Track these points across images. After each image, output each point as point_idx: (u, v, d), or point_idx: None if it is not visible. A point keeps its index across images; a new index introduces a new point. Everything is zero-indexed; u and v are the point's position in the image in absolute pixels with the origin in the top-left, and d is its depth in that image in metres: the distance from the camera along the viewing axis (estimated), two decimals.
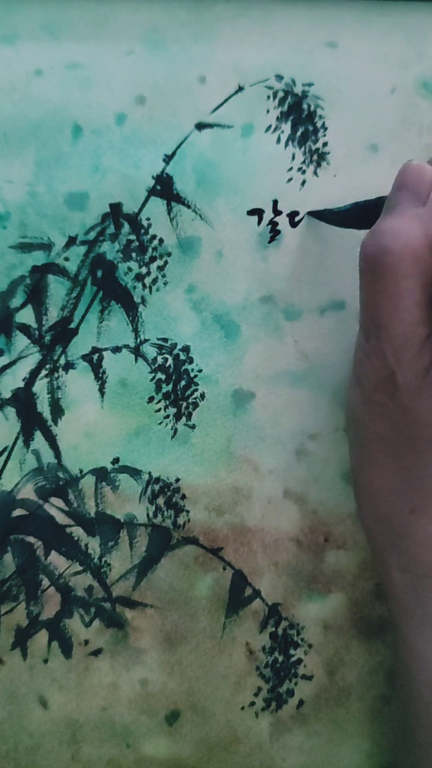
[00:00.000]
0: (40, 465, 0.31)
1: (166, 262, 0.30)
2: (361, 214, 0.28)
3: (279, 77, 0.30)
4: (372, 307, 0.25)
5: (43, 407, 0.31)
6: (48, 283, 0.30)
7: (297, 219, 0.30)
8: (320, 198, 0.30)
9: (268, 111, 0.30)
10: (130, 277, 0.30)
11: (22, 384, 0.30)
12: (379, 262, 0.24)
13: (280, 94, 0.30)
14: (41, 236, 0.30)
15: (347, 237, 0.30)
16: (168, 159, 0.30)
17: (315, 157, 0.30)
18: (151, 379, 0.31)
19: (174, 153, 0.30)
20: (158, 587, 0.31)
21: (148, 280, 0.31)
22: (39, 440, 0.31)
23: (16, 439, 0.31)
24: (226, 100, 0.30)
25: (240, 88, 0.30)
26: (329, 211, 0.30)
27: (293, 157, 0.30)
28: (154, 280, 0.31)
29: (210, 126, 0.30)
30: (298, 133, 0.30)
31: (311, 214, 0.30)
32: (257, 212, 0.30)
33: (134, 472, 0.31)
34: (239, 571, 0.31)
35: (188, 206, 0.30)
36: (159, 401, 0.31)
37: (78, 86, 0.30)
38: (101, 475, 0.31)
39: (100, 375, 0.31)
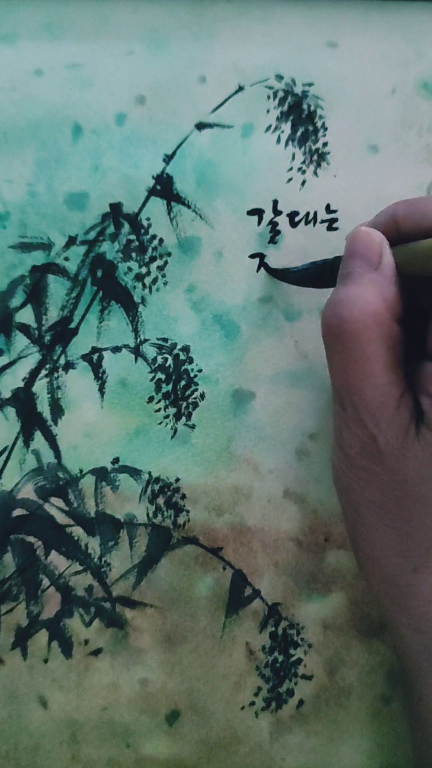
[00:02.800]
0: (40, 465, 0.31)
1: (166, 262, 0.30)
2: (319, 274, 0.28)
3: (279, 77, 0.30)
4: (342, 375, 0.25)
5: (43, 407, 0.31)
6: (48, 283, 0.30)
7: (297, 219, 0.31)
8: (320, 198, 0.30)
9: (268, 111, 0.30)
10: (130, 277, 0.30)
11: (22, 384, 0.30)
12: (342, 331, 0.24)
13: (280, 94, 0.30)
14: (41, 236, 0.30)
15: None
16: (168, 159, 0.30)
17: (315, 157, 0.30)
18: (151, 379, 0.31)
19: (174, 153, 0.30)
20: (158, 587, 0.31)
21: (148, 280, 0.31)
22: (39, 440, 0.31)
23: (16, 439, 0.31)
24: (226, 100, 0.30)
25: (240, 88, 0.30)
26: (287, 270, 0.30)
27: (293, 157, 0.30)
28: (154, 280, 0.31)
29: (210, 126, 0.30)
30: (298, 133, 0.30)
31: (269, 271, 0.30)
32: (257, 212, 0.30)
33: (134, 472, 0.31)
34: (239, 570, 0.31)
35: (188, 206, 0.30)
36: (159, 401, 0.31)
37: (78, 86, 0.30)
38: (101, 475, 0.31)
39: (100, 375, 0.31)
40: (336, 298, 0.25)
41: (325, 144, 0.30)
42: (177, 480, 0.31)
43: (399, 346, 0.25)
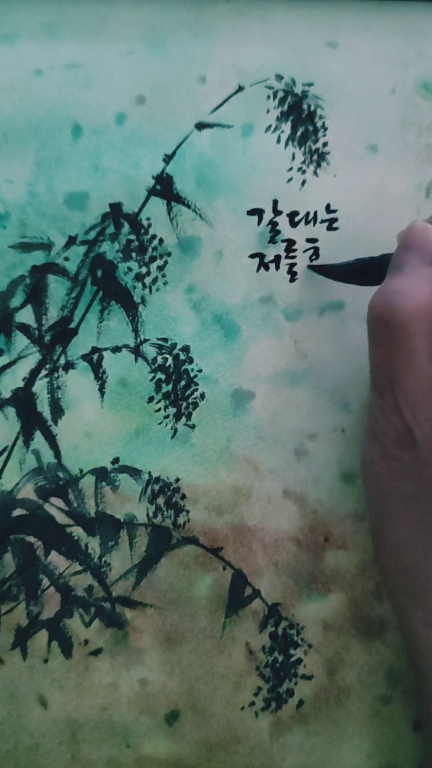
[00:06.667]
0: (40, 465, 0.31)
1: (166, 262, 0.30)
2: (364, 270, 0.28)
3: (279, 77, 0.30)
4: (385, 365, 0.25)
5: (43, 407, 0.31)
6: (48, 283, 0.30)
7: (297, 219, 0.31)
8: (320, 198, 0.30)
9: (268, 111, 0.30)
10: (130, 277, 0.30)
11: (22, 384, 0.30)
12: (390, 321, 0.25)
13: (280, 94, 0.30)
14: (41, 236, 0.30)
15: (346, 238, 0.30)
16: (168, 159, 0.30)
17: (315, 157, 0.30)
18: (151, 379, 0.31)
19: (174, 153, 0.30)
20: (158, 587, 0.31)
21: (148, 280, 0.31)
22: (39, 440, 0.31)
23: (16, 439, 0.31)
24: (226, 100, 0.30)
25: (240, 88, 0.30)
26: (331, 266, 0.30)
27: (293, 157, 0.30)
28: (154, 280, 0.31)
29: (210, 126, 0.30)
30: (298, 133, 0.30)
31: (311, 268, 0.30)
32: (257, 212, 0.30)
33: (134, 472, 0.31)
34: (239, 571, 0.31)
35: (188, 206, 0.30)
36: (159, 401, 0.31)
37: (78, 86, 0.30)
38: (101, 475, 0.31)
39: (100, 375, 0.31)
40: (387, 288, 0.25)
41: (325, 144, 0.30)
42: (177, 480, 0.31)
43: None
